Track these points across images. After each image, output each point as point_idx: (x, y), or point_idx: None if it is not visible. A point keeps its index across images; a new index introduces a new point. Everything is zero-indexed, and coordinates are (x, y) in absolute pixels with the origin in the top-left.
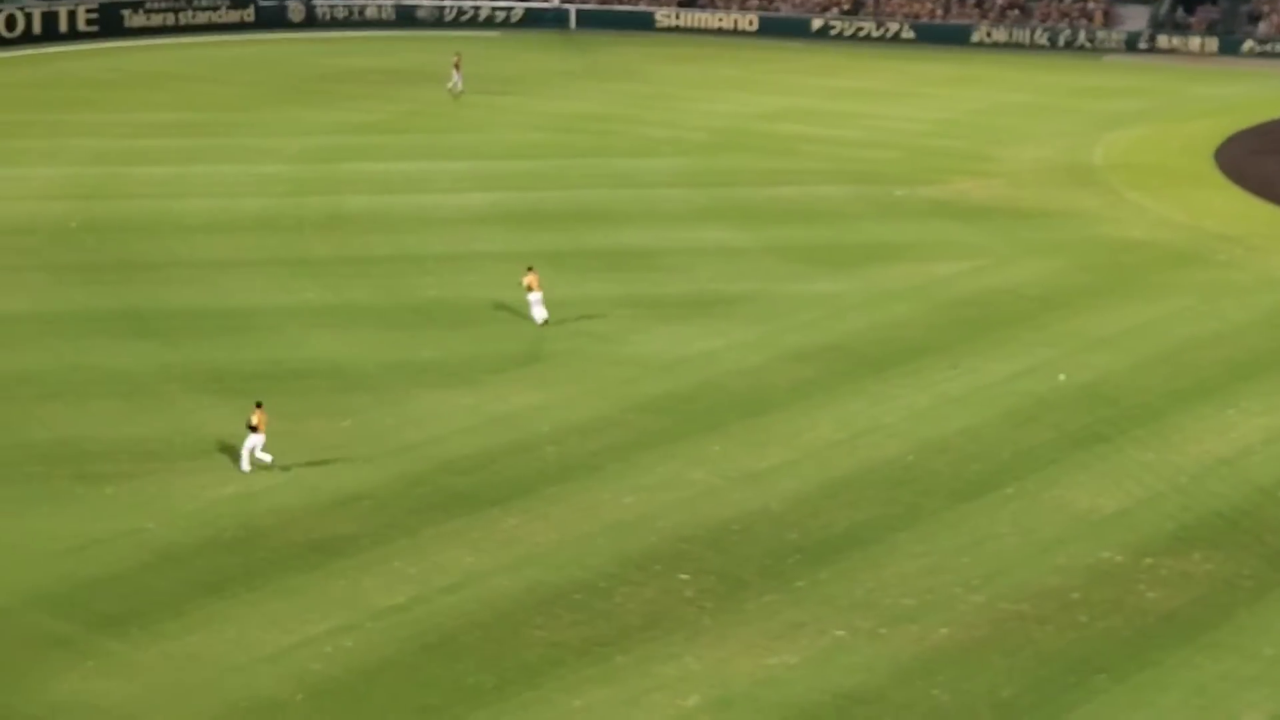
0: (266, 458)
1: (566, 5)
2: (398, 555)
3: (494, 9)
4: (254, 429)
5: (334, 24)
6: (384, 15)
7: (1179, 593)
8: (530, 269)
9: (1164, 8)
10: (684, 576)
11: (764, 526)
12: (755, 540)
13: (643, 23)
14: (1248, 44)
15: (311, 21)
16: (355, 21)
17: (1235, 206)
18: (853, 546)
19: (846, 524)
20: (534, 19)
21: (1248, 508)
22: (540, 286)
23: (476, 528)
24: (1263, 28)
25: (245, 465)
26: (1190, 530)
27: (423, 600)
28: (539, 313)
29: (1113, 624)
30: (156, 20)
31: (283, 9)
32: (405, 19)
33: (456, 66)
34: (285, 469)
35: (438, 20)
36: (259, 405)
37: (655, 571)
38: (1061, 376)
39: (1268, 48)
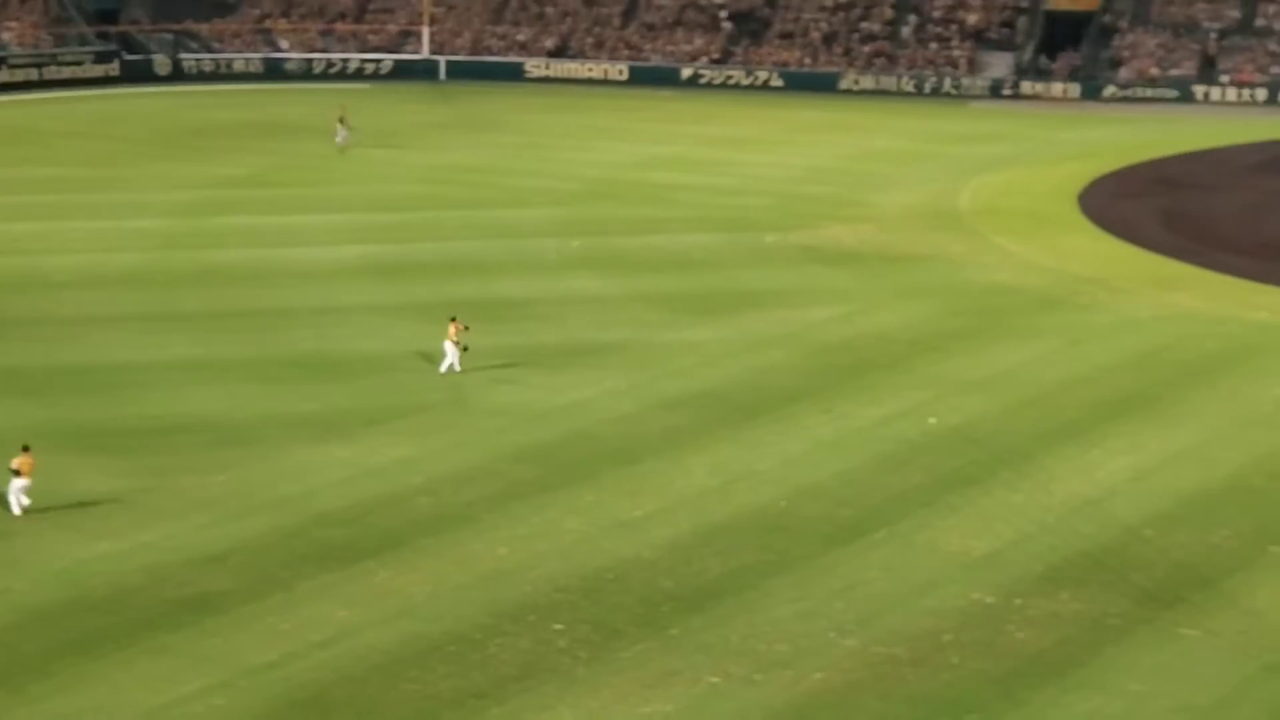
0: (26, 501)
1: (436, 56)
2: (271, 611)
3: (363, 61)
4: (16, 473)
5: (201, 77)
6: (251, 68)
7: (1048, 632)
8: (453, 319)
9: (1027, 54)
10: (558, 626)
11: (638, 575)
12: (629, 589)
13: (513, 73)
14: (1109, 89)
15: (178, 75)
16: (223, 75)
17: (1099, 249)
18: (727, 593)
19: (720, 571)
20: (403, 71)
21: (1114, 547)
22: (456, 337)
23: (350, 581)
24: (1124, 73)
25: (15, 509)
26: (1058, 570)
27: (296, 656)
28: (445, 364)
29: (984, 665)
30: (19, 75)
31: (148, 62)
32: (273, 72)
33: (342, 120)
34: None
35: (306, 73)
36: (26, 449)
37: (529, 622)
38: (932, 420)
39: (1129, 93)
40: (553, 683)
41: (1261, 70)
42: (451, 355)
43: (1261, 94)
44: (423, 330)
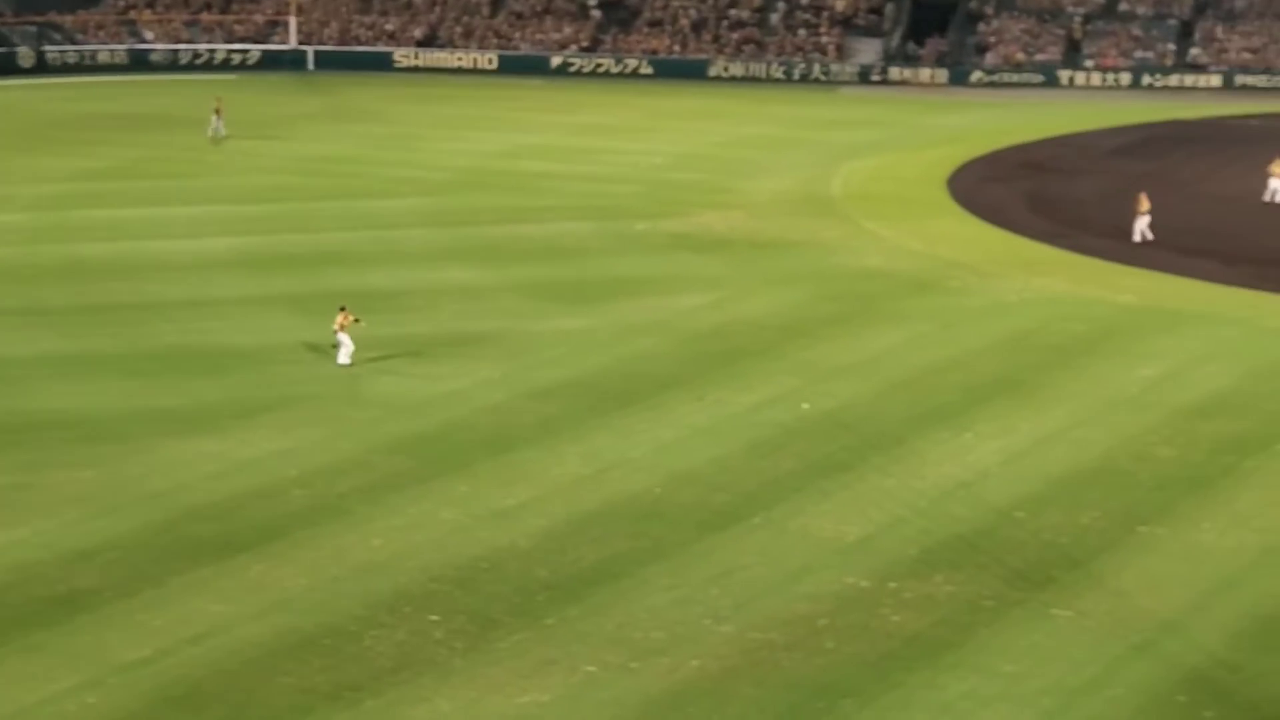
0: None
1: (304, 47)
2: (143, 607)
3: (229, 51)
4: None
5: (66, 69)
6: (116, 60)
7: (922, 615)
8: (342, 309)
9: (895, 41)
10: (434, 617)
11: (513, 564)
12: (505, 579)
13: (381, 63)
14: (976, 74)
15: (42, 67)
16: (88, 66)
17: (967, 233)
18: (602, 581)
19: (595, 559)
20: (271, 61)
21: (986, 529)
22: (347, 328)
23: (224, 576)
24: (990, 58)
25: None
26: (932, 553)
27: (168, 652)
28: (343, 354)
29: (859, 648)
30: None
31: (11, 55)
32: (139, 63)
33: (217, 112)
34: None
35: (172, 64)
36: None
37: (405, 613)
38: (805, 405)
39: (995, 78)
40: (429, 674)
41: (1125, 55)
42: (347, 345)
43: (1125, 78)
44: (294, 322)
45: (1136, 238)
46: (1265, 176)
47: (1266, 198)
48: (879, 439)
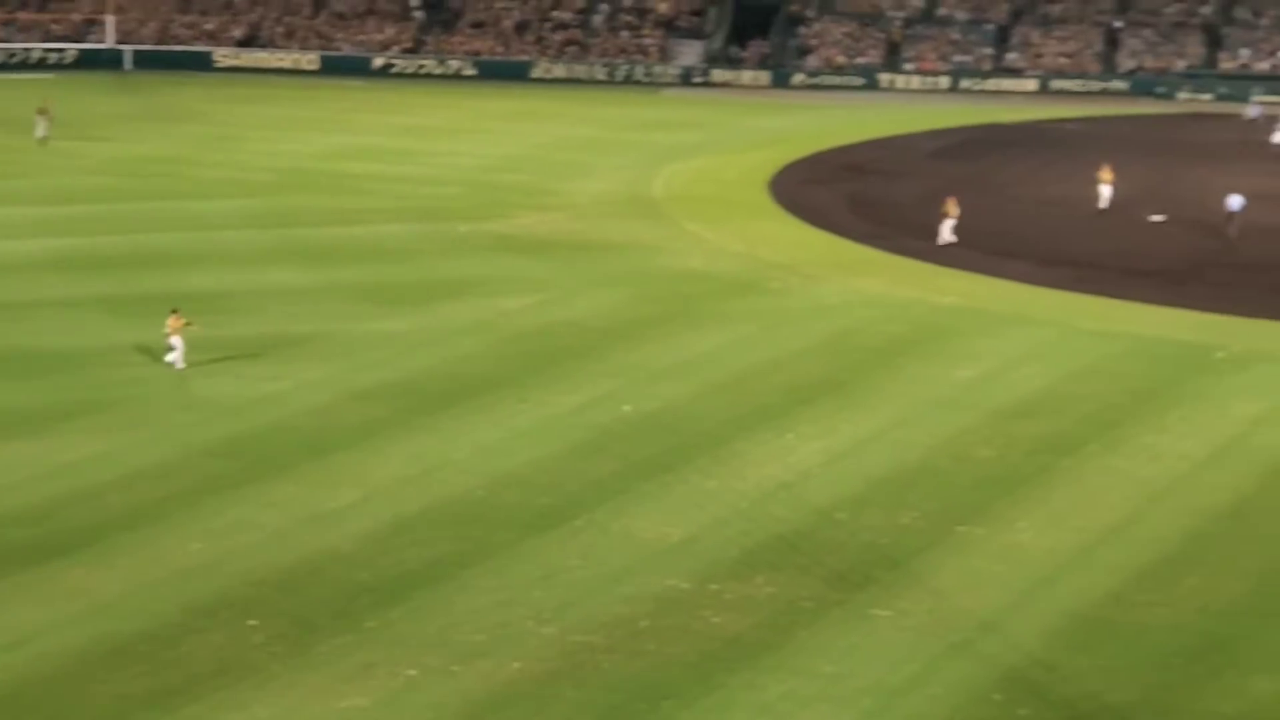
0: None
1: (121, 46)
2: None
3: (45, 50)
4: None
5: None
6: None
7: (743, 616)
8: (174, 311)
9: (718, 43)
10: (253, 622)
11: (334, 568)
12: (326, 582)
13: (201, 63)
14: (798, 77)
15: None
16: None
17: (789, 235)
18: (424, 584)
19: (418, 562)
20: (88, 60)
21: (807, 530)
22: (179, 331)
23: (41, 581)
24: (812, 61)
25: None
26: (753, 555)
27: None
28: (175, 358)
29: (680, 650)
30: None
31: None
32: None
33: (43, 111)
34: None
35: None
36: None
37: (224, 618)
38: (627, 407)
39: (817, 80)
40: (248, 679)
41: (944, 59)
42: (179, 348)
43: (944, 81)
44: (113, 325)
45: (941, 240)
46: (1092, 183)
47: (1101, 205)
48: (701, 440)
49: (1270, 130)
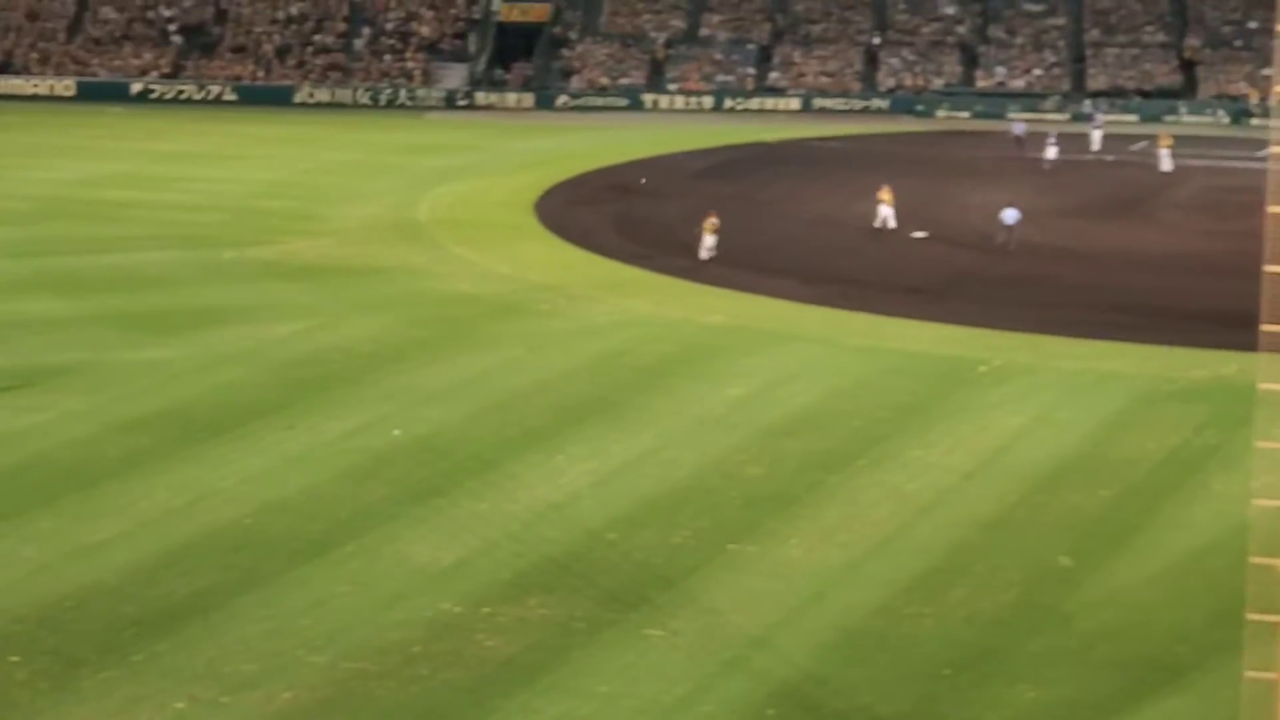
0: None
1: None
2: None
3: None
4: None
5: None
6: None
7: (517, 639)
8: None
9: (481, 65)
10: (15, 659)
11: (100, 601)
12: (91, 616)
13: None
14: (562, 98)
15: None
16: None
17: (556, 256)
18: (192, 615)
19: (185, 593)
20: None
21: (579, 551)
22: None
23: None
24: (575, 82)
25: None
26: (525, 577)
27: None
28: None
29: (453, 675)
30: None
31: None
32: None
33: None
34: None
35: None
36: None
37: None
38: (396, 431)
39: (581, 101)
40: (12, 717)
41: (707, 79)
42: None
43: (708, 101)
44: None
45: (703, 255)
46: (856, 200)
47: (876, 224)
48: (471, 463)
49: (1040, 147)
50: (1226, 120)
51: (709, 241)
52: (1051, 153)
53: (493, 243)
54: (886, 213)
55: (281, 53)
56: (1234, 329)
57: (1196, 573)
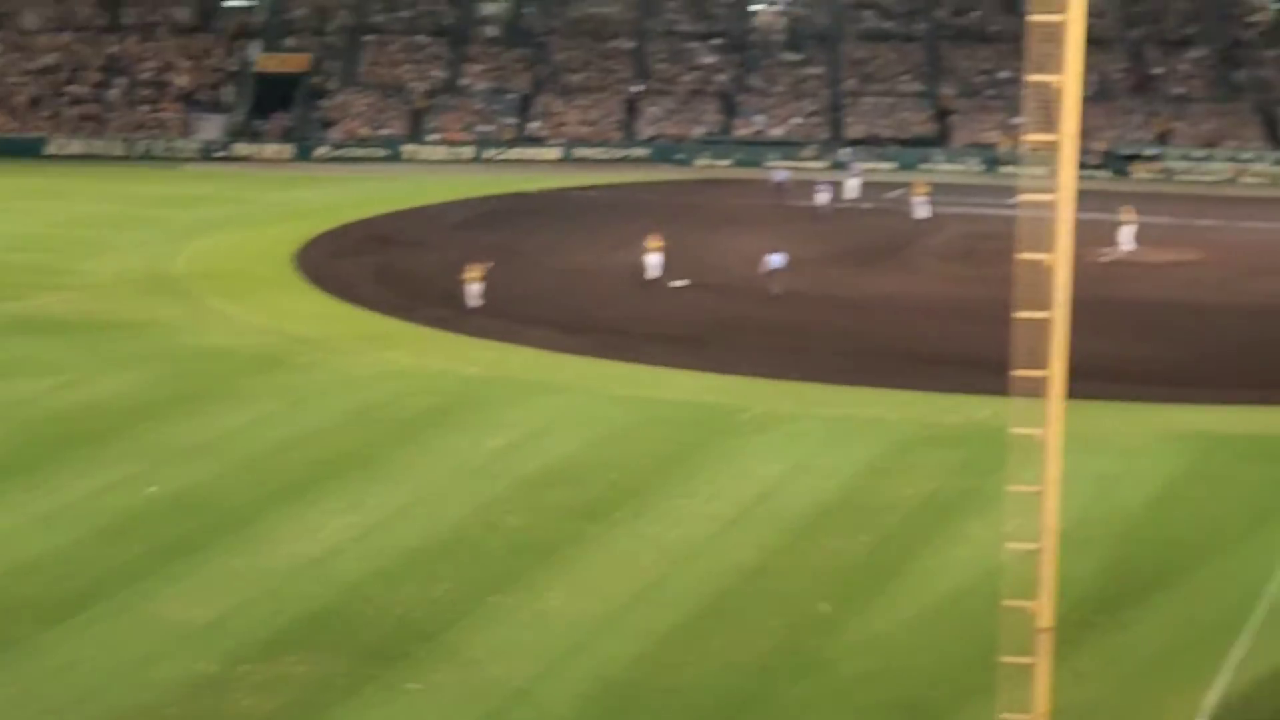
0: None
1: None
2: None
3: None
4: None
5: None
6: None
7: (274, 697)
8: None
9: (239, 116)
10: None
11: None
12: None
13: None
14: (322, 149)
15: None
16: None
17: (316, 309)
18: None
19: None
20: None
21: (338, 606)
22: None
23: None
24: (335, 133)
25: None
26: (283, 634)
27: None
28: None
29: None
30: None
31: None
32: None
33: None
34: None
35: None
36: None
37: None
38: (151, 489)
39: (341, 152)
40: None
41: (467, 129)
42: None
43: (468, 151)
44: None
45: (471, 303)
46: (617, 249)
47: (648, 275)
48: (227, 519)
49: (807, 195)
50: (980, 168)
51: (475, 289)
52: (823, 199)
53: (251, 295)
54: (655, 261)
55: (34, 103)
56: (988, 374)
57: (953, 616)
